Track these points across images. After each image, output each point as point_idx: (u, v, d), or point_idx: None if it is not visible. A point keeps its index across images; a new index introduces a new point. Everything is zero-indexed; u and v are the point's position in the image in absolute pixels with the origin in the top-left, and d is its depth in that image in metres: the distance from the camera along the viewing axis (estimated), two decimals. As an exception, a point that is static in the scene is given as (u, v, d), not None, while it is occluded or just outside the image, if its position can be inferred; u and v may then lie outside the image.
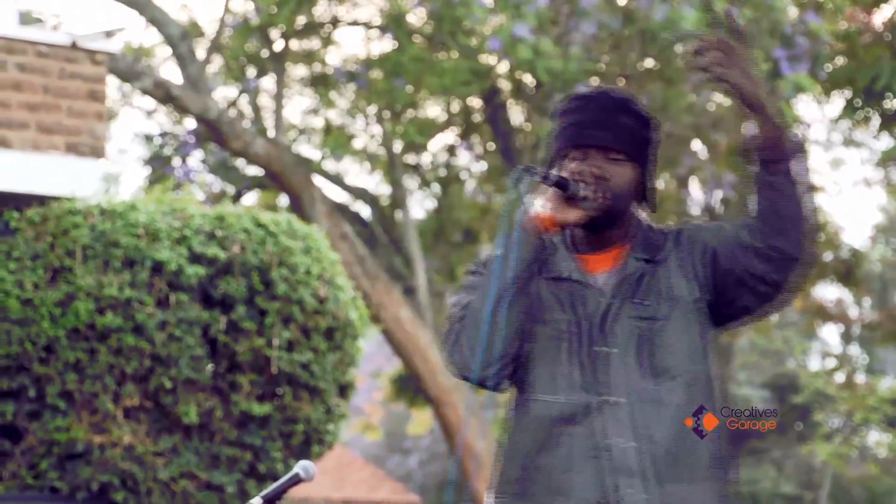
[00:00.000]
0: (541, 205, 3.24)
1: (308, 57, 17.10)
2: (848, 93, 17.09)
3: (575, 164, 3.28)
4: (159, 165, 16.84)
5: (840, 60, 16.85)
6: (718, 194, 17.21)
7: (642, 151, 3.31)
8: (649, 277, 3.29)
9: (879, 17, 16.92)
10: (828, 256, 22.38)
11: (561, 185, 3.24)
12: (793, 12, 15.91)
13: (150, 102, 17.17)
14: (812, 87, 15.54)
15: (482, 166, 18.69)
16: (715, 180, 17.58)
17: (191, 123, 16.72)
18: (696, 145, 18.12)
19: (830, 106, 19.02)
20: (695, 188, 19.84)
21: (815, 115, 24.43)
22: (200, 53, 16.14)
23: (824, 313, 25.20)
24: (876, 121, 17.52)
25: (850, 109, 17.24)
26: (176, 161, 16.91)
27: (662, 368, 3.23)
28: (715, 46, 3.13)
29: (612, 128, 3.29)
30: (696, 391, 3.25)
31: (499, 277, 3.20)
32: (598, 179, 3.26)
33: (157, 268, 8.82)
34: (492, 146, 17.77)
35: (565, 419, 3.20)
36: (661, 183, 19.40)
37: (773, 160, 3.18)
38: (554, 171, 3.27)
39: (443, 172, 18.55)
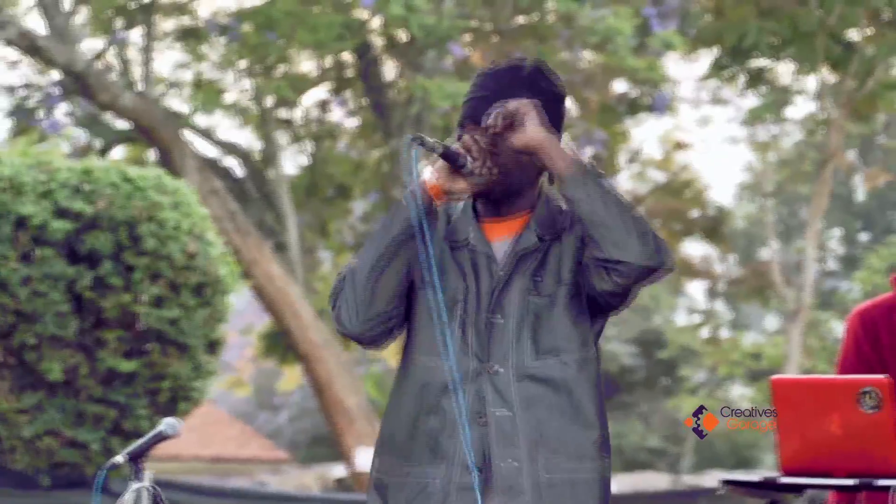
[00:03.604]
0: (429, 174, 3.27)
1: (178, 9, 16.85)
2: (716, 51, 17.29)
3: (467, 136, 3.31)
4: (23, 117, 16.49)
5: (708, 18, 17.04)
6: (589, 151, 17.31)
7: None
8: (543, 254, 3.31)
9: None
10: (694, 213, 22.67)
11: (448, 157, 3.27)
12: (663, -29, 16.02)
13: (13, 53, 16.81)
14: (681, 45, 15.68)
15: (355, 122, 18.61)
16: (586, 137, 17.69)
17: (56, 75, 16.40)
18: (568, 102, 18.19)
19: (699, 64, 19.22)
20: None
21: (684, 72, 24.68)
22: (66, 4, 15.82)
23: (691, 270, 25.54)
24: (742, 79, 17.76)
25: (717, 67, 17.45)
26: (41, 113, 16.57)
27: (546, 347, 3.26)
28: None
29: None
30: (574, 373, 3.28)
31: (380, 240, 3.25)
32: (487, 153, 3.28)
33: (21, 222, 8.65)
34: (364, 102, 17.69)
35: (450, 383, 3.22)
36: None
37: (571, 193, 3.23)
38: (446, 142, 3.29)
39: (315, 128, 18.42)
